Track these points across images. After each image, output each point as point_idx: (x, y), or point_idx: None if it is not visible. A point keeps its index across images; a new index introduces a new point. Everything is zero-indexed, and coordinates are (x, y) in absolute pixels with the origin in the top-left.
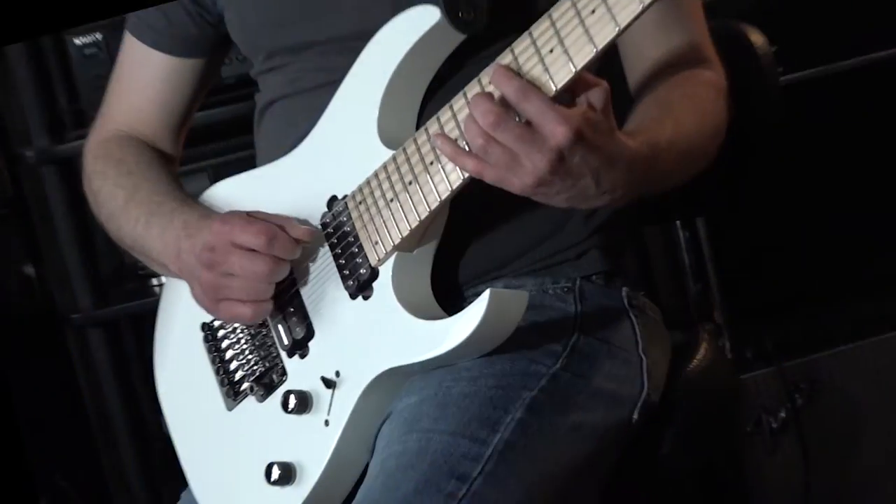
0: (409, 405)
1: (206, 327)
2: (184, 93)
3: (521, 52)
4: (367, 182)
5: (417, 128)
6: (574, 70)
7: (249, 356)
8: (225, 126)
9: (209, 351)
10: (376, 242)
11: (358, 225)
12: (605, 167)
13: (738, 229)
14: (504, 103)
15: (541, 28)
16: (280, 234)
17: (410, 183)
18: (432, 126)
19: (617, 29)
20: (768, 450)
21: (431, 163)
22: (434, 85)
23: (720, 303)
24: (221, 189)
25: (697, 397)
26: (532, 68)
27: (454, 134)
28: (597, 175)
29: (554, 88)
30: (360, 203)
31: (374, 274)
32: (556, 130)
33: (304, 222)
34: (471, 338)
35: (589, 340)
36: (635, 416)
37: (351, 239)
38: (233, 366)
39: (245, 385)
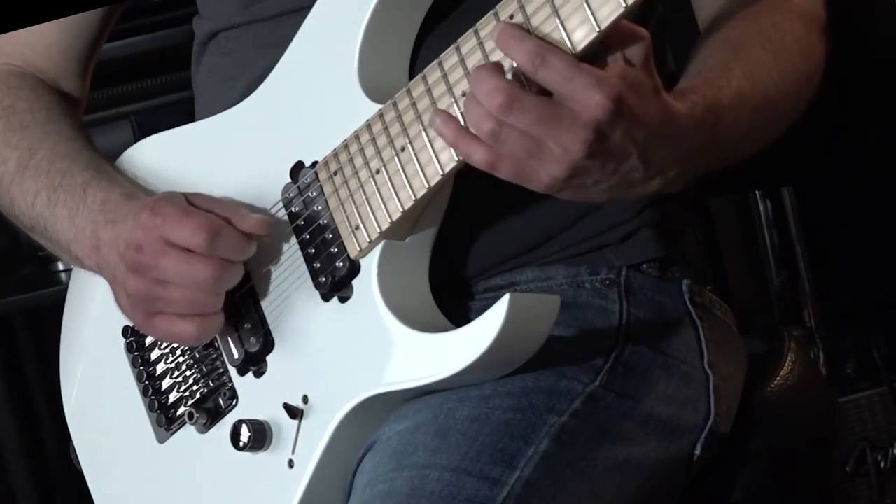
0: (400, 432)
1: (130, 332)
2: (93, 11)
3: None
4: (345, 146)
5: (412, 75)
6: (598, 27)
7: (187, 373)
8: (153, 59)
9: (134, 364)
10: (356, 227)
11: (332, 203)
12: (654, 141)
13: (835, 202)
14: (516, 74)
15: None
16: (226, 230)
17: (403, 149)
18: (432, 75)
19: None
20: (874, 496)
21: (431, 122)
22: (433, 15)
23: (812, 299)
24: (147, 150)
25: (780, 427)
26: (544, 21)
27: (461, 87)
28: (644, 153)
29: (575, 47)
30: (336, 174)
31: (353, 269)
32: (591, 100)
33: (260, 200)
34: (483, 358)
35: (638, 350)
36: (697, 450)
37: (322, 222)
38: (165, 384)
39: (181, 410)
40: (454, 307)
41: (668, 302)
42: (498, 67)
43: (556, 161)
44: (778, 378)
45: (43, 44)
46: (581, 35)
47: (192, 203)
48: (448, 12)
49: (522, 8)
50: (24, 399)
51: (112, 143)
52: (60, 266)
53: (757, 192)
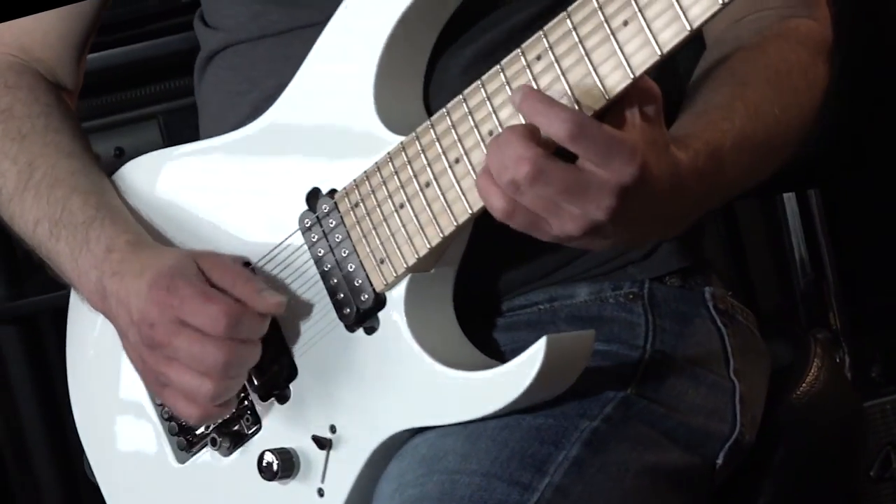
0: (428, 438)
1: None
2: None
3: (555, 43)
4: (366, 177)
5: (427, 101)
6: (633, 74)
7: None
8: (180, 60)
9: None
10: (382, 261)
11: (354, 235)
12: (664, 197)
13: (862, 204)
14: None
15: (583, 12)
16: (246, 316)
17: (428, 185)
18: (457, 111)
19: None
20: None
21: (457, 160)
22: (444, 34)
23: (837, 302)
24: (142, 171)
25: (806, 434)
26: (574, 65)
27: (487, 126)
28: (655, 210)
29: (606, 98)
30: (356, 206)
31: (379, 301)
32: (625, 170)
33: (274, 227)
34: (521, 397)
35: (666, 360)
36: (720, 460)
37: (344, 253)
38: None
39: (201, 431)
40: (478, 325)
41: (691, 311)
42: (523, 132)
43: (572, 220)
44: (804, 384)
45: (41, 31)
46: (614, 81)
47: (207, 277)
48: (460, 32)
49: (550, 48)
50: (50, 398)
51: (140, 144)
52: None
53: (783, 194)
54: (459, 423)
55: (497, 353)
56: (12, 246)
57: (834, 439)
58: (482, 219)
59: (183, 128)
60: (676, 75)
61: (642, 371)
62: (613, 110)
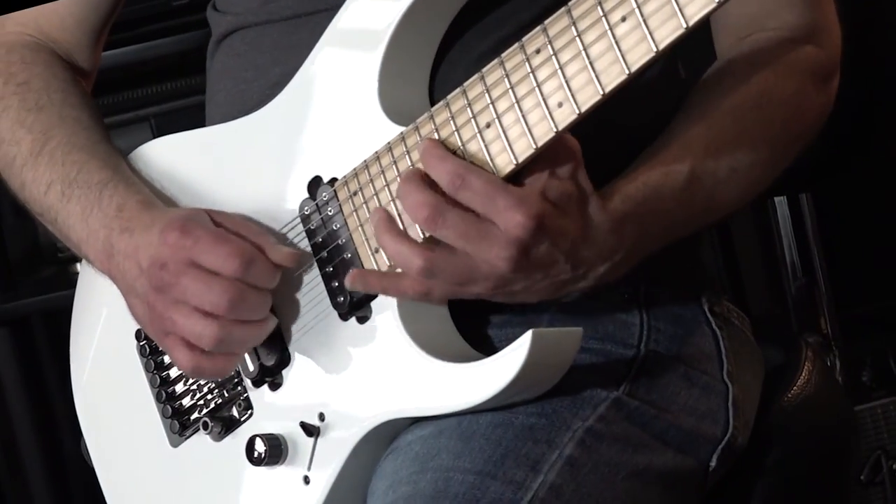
0: (422, 437)
1: (143, 335)
2: None
3: (555, 37)
4: (366, 166)
5: (431, 90)
6: (514, 164)
7: (202, 380)
8: (173, 62)
9: (147, 368)
10: (377, 250)
11: (351, 224)
12: (580, 247)
13: (853, 209)
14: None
15: (583, 6)
16: (259, 259)
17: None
18: (456, 102)
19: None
20: None
21: (454, 151)
22: (454, 29)
23: (828, 307)
24: (162, 150)
25: (797, 438)
26: (570, 62)
27: (485, 118)
28: (571, 258)
29: (514, 163)
30: (355, 195)
31: None
32: (512, 220)
33: (277, 213)
34: (505, 391)
35: (660, 360)
36: (713, 462)
37: (341, 241)
38: (179, 389)
39: (195, 416)
40: (472, 320)
41: (687, 313)
42: (423, 177)
43: (483, 278)
44: (795, 388)
45: (59, 14)
46: (610, 77)
47: (219, 224)
48: (469, 26)
49: (550, 43)
50: (42, 400)
51: (132, 146)
52: (79, 268)
53: (775, 198)
54: (452, 422)
55: (490, 349)
56: (5, 248)
57: (825, 443)
58: None
59: (175, 130)
60: (678, 80)
61: (635, 371)
62: (529, 167)
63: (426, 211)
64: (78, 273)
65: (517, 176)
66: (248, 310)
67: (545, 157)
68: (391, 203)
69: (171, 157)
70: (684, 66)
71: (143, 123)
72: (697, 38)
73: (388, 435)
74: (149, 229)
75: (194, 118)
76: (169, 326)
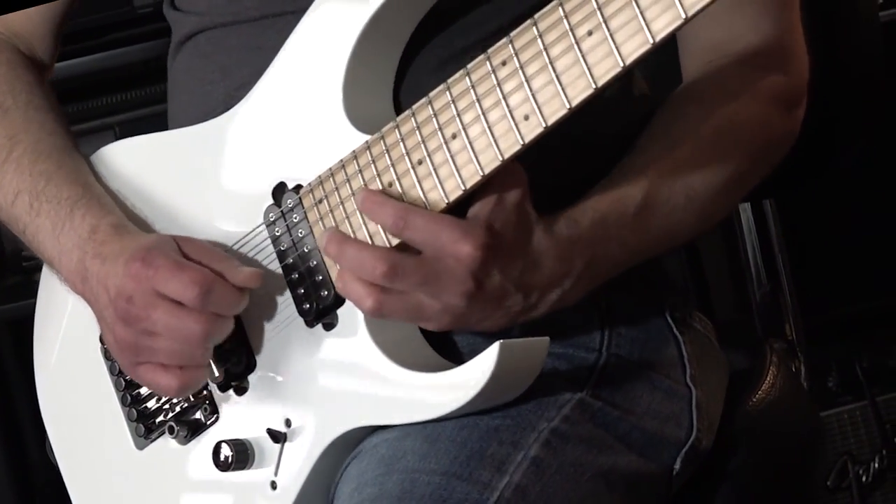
0: (388, 439)
1: None
2: None
3: (520, 49)
4: (331, 174)
5: (396, 94)
6: (481, 175)
7: None
8: (137, 70)
9: (112, 371)
10: None
11: (317, 232)
12: (529, 274)
13: (818, 215)
14: None
15: (549, 19)
16: (219, 285)
17: (391, 185)
18: (422, 112)
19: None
20: None
21: (420, 162)
22: (418, 35)
23: (793, 313)
24: (121, 153)
25: (762, 442)
26: (536, 74)
27: (451, 129)
28: (522, 286)
29: (480, 174)
30: (320, 202)
31: (339, 298)
32: (461, 252)
33: (240, 219)
34: (472, 401)
35: (622, 364)
36: (677, 465)
37: (307, 249)
38: (144, 392)
39: (160, 419)
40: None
41: (649, 317)
42: (364, 244)
43: (438, 314)
44: (760, 392)
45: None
46: (577, 91)
47: (184, 253)
48: (433, 33)
49: (516, 55)
50: (7, 409)
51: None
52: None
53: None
54: (417, 424)
55: (455, 355)
56: None
57: (791, 447)
58: None
59: None
60: (635, 95)
61: (598, 374)
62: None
63: (383, 266)
64: None
65: (467, 201)
66: (218, 335)
67: (492, 184)
68: (356, 213)
69: (134, 160)
70: (650, 83)
71: (107, 132)
72: (666, 53)
73: (354, 438)
74: (116, 259)
75: (159, 126)
76: (142, 356)
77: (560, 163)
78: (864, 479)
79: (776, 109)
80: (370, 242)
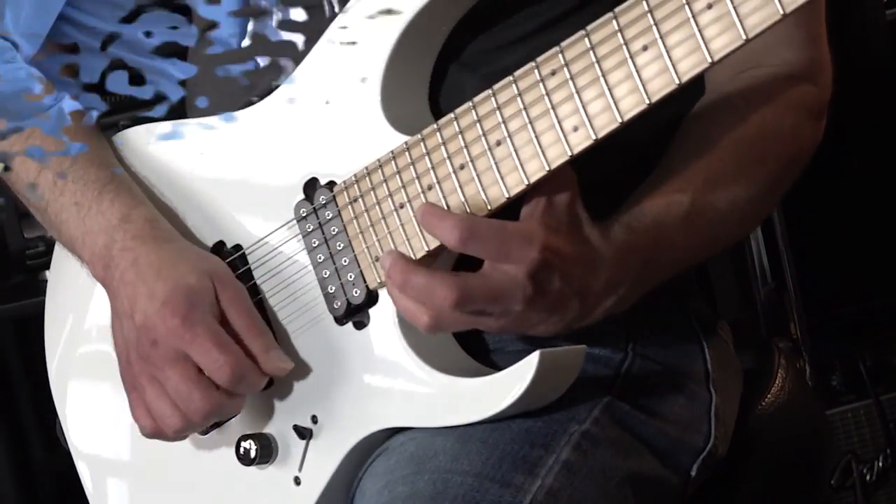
0: (416, 437)
1: None
2: None
3: (571, 60)
4: (367, 173)
5: (432, 101)
6: (526, 184)
7: None
8: None
9: None
10: (377, 258)
11: (351, 231)
12: (588, 277)
13: (822, 214)
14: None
15: (602, 32)
16: (250, 373)
17: (430, 188)
18: (465, 117)
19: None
20: None
21: (462, 167)
22: (457, 34)
23: (798, 311)
24: (144, 137)
25: (771, 445)
26: (587, 87)
27: (496, 136)
28: (580, 291)
29: (525, 183)
30: (356, 201)
31: (371, 298)
32: (526, 258)
33: (271, 213)
34: (506, 410)
35: (647, 366)
36: (693, 471)
37: (339, 247)
38: None
39: None
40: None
41: (674, 321)
42: (431, 272)
43: (494, 320)
44: (769, 395)
45: None
46: (629, 105)
47: (222, 309)
48: (476, 32)
49: (567, 66)
50: (10, 408)
51: None
52: (48, 275)
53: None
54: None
55: (483, 352)
56: None
57: (798, 449)
58: None
59: None
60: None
61: (623, 375)
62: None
63: (452, 296)
64: (47, 281)
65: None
66: (220, 416)
67: (541, 188)
68: (392, 214)
69: (159, 144)
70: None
71: (110, 131)
72: None
73: (381, 436)
74: (154, 281)
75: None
76: (140, 390)
77: (601, 164)
78: (867, 477)
79: (808, 119)
80: (408, 245)
